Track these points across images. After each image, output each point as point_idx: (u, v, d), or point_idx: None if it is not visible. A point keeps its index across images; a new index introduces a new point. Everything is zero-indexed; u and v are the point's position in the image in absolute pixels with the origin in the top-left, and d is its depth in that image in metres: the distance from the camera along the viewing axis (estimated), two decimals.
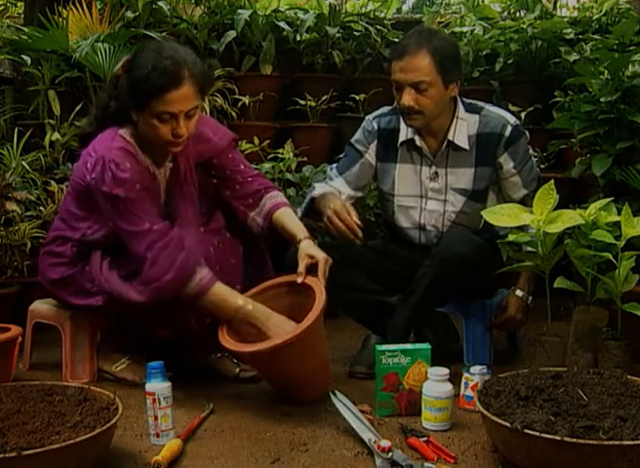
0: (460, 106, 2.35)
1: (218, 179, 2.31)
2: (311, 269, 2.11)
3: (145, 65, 1.96)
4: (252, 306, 2.04)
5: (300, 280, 2.09)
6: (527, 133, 2.40)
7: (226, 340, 2.01)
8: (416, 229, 2.44)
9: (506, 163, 2.34)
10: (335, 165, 2.51)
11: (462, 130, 2.34)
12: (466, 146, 2.33)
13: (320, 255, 2.12)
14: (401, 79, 2.23)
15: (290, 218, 2.27)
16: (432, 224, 2.41)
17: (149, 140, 2.09)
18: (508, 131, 2.31)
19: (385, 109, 2.48)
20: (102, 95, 2.23)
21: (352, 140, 2.48)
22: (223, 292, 2.04)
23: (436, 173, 2.37)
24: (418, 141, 2.37)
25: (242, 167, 2.32)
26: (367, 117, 2.49)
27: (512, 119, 2.35)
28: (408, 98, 2.23)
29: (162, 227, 2.04)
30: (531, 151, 2.44)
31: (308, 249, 2.14)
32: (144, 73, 1.95)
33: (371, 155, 2.45)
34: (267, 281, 2.21)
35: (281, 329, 2.00)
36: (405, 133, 2.39)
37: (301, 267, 2.11)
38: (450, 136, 2.33)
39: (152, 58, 1.97)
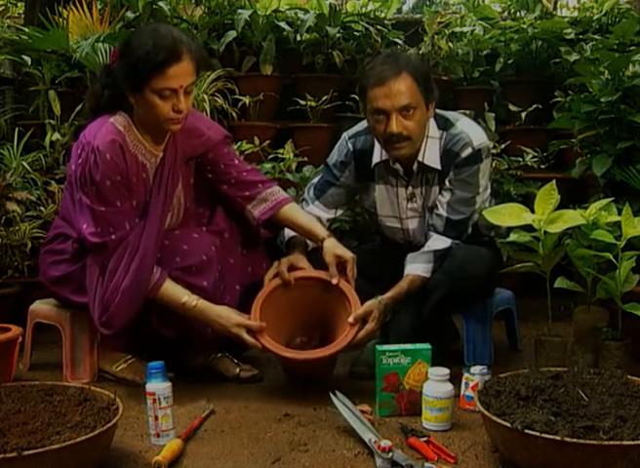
0: (432, 124, 2.26)
1: (213, 174, 2.32)
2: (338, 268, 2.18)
3: (144, 44, 1.98)
4: (195, 303, 2.08)
5: (335, 281, 2.15)
6: (488, 161, 2.27)
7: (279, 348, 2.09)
8: (403, 243, 2.42)
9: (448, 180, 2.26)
10: (314, 182, 2.46)
11: (433, 149, 2.24)
12: (438, 166, 2.25)
13: (348, 255, 2.18)
14: (387, 105, 2.11)
15: (303, 215, 2.33)
16: (418, 240, 2.36)
17: (148, 122, 2.09)
18: (467, 152, 2.20)
19: (362, 126, 2.37)
20: (94, 86, 2.23)
21: (329, 162, 2.43)
22: (171, 290, 2.08)
23: (413, 193, 2.33)
24: (392, 163, 2.30)
25: (236, 161, 2.35)
26: (344, 135, 2.42)
27: (478, 141, 2.22)
28: (397, 125, 2.11)
29: (121, 234, 2.05)
30: (481, 188, 2.25)
31: (335, 248, 2.19)
32: (145, 51, 1.97)
33: (348, 178, 2.40)
34: (303, 271, 2.23)
35: (224, 318, 2.08)
36: (379, 153, 2.31)
37: (333, 270, 2.16)
38: (420, 158, 2.25)
39: (150, 36, 2.00)
